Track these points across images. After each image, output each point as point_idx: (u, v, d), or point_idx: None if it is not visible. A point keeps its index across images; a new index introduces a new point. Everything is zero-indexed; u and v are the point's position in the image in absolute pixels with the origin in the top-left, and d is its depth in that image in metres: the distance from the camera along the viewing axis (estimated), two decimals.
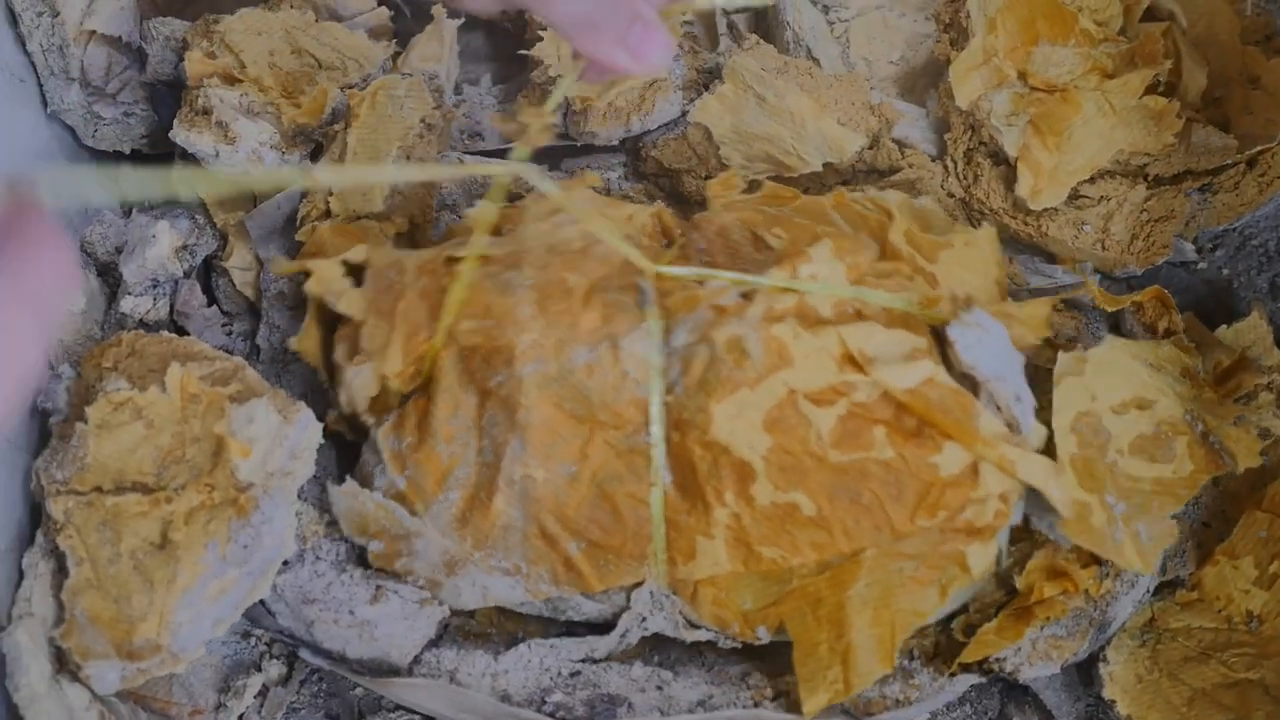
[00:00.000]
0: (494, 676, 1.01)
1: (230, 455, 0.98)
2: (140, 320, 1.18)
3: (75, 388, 1.05)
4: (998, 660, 1.02)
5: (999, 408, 0.98)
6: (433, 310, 1.00)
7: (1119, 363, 1.07)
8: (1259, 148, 1.24)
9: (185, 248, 1.20)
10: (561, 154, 1.31)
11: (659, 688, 1.02)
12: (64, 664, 0.94)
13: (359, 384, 1.02)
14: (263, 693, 1.06)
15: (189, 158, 1.22)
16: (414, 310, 1.01)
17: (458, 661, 1.02)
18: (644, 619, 1.01)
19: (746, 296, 0.98)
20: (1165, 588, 1.10)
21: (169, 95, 1.28)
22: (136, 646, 0.93)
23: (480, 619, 1.07)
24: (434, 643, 1.03)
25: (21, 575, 0.97)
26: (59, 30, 1.22)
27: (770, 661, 1.03)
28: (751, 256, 1.04)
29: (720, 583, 0.99)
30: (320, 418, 1.05)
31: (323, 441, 1.04)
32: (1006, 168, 1.23)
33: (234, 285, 1.20)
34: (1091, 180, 1.23)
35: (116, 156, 1.34)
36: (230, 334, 1.21)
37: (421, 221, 1.19)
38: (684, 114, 1.27)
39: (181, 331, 1.19)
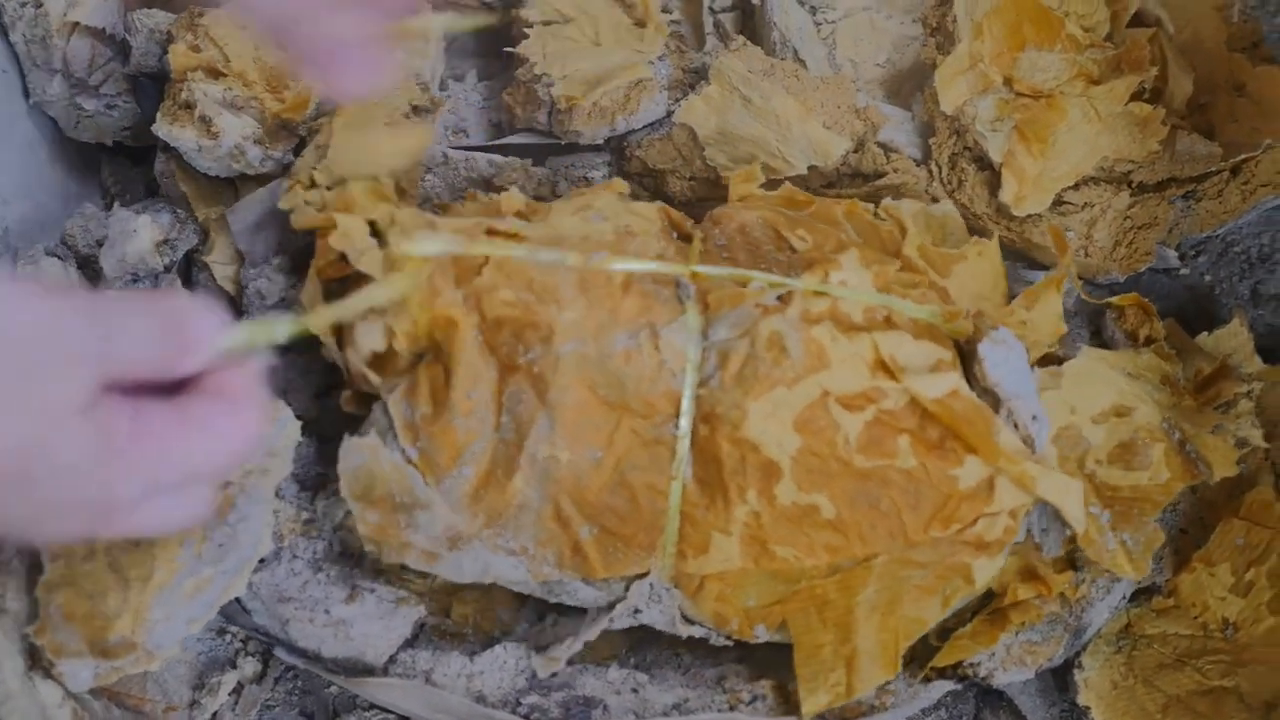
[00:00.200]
0: (469, 677, 1.01)
1: None
2: None
3: None
4: (972, 665, 1.02)
5: (1016, 425, 0.98)
6: (461, 275, 0.99)
7: (1096, 373, 1.08)
8: (1243, 156, 1.24)
9: (166, 242, 1.20)
10: (546, 152, 1.30)
11: (634, 690, 1.02)
12: (37, 661, 0.94)
13: (366, 339, 1.00)
14: (237, 690, 1.06)
15: (171, 151, 1.22)
16: (443, 273, 1.00)
17: (433, 662, 1.01)
18: (638, 610, 1.01)
19: (782, 299, 0.98)
20: (1141, 594, 1.11)
21: (152, 88, 1.28)
22: (111, 644, 0.93)
23: (456, 619, 1.07)
24: (409, 643, 1.03)
25: None
26: (42, 21, 1.22)
27: (747, 665, 1.03)
28: (774, 256, 1.03)
29: (727, 578, 0.98)
30: (302, 413, 1.05)
31: (301, 439, 1.03)
32: (991, 173, 1.23)
33: (215, 280, 1.20)
34: (1076, 187, 1.23)
35: (98, 148, 1.33)
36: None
37: (409, 191, 1.19)
38: (669, 114, 1.26)
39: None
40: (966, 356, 1.01)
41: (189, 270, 1.23)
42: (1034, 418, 0.99)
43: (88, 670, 0.93)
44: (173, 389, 0.68)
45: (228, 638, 1.07)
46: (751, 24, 1.39)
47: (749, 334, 0.95)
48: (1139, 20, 1.34)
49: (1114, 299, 1.16)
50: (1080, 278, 1.25)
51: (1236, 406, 1.14)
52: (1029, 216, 1.22)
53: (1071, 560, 1.04)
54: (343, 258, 1.01)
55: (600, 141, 1.27)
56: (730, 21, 1.41)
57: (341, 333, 1.03)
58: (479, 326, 0.98)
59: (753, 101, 1.23)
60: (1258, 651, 1.05)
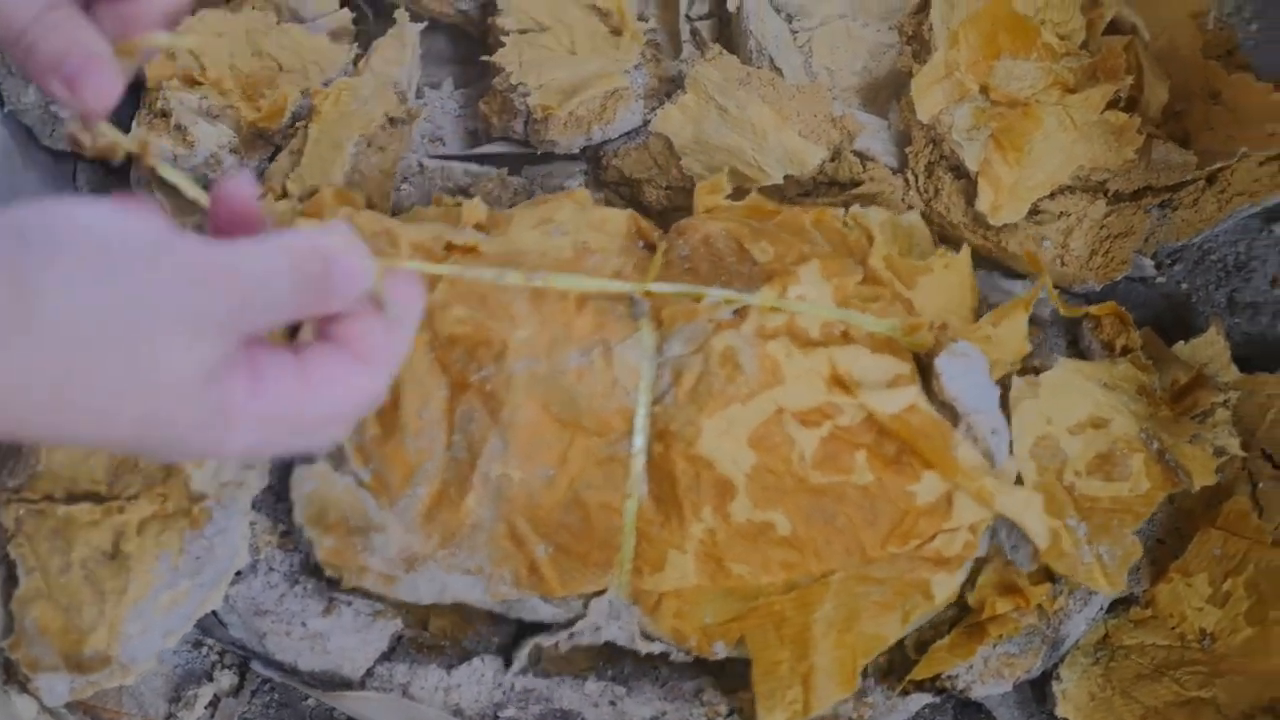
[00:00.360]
0: (446, 690, 1.01)
1: (183, 465, 0.97)
2: None
3: None
4: (950, 678, 1.02)
5: (976, 439, 0.98)
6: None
7: (1072, 384, 1.08)
8: (1219, 164, 1.24)
9: None
10: (521, 162, 1.30)
11: (612, 703, 1.02)
12: (12, 675, 0.94)
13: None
14: (214, 703, 1.06)
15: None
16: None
17: (410, 675, 1.01)
18: (599, 627, 1.01)
19: (739, 314, 0.98)
20: (1119, 605, 1.11)
21: (127, 96, 1.27)
22: (86, 658, 0.92)
23: (434, 631, 1.06)
24: (386, 656, 1.03)
25: None
26: None
27: (724, 678, 1.03)
28: (735, 269, 1.03)
29: (683, 595, 0.98)
30: None
31: None
32: (967, 182, 1.23)
33: None
34: (1051, 196, 1.23)
35: (73, 156, 1.33)
36: None
37: (379, 204, 1.19)
38: (645, 123, 1.26)
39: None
40: (926, 370, 1.01)
41: None
42: (994, 431, 0.99)
43: (63, 684, 0.93)
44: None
45: (204, 650, 1.07)
46: (728, 32, 1.39)
47: (702, 350, 0.95)
48: (1114, 28, 1.34)
49: (1091, 309, 1.16)
50: (1057, 287, 1.25)
51: (1214, 416, 1.14)
52: (1005, 225, 1.22)
53: (1049, 572, 1.04)
54: None
55: (576, 151, 1.27)
56: (706, 30, 1.41)
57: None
58: (431, 343, 0.98)
59: (729, 110, 1.23)
60: (1235, 662, 1.05)
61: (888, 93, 1.34)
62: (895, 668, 1.04)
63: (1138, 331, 1.17)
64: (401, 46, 1.29)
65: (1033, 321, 1.16)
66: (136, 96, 1.23)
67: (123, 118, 1.27)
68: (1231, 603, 1.07)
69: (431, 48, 1.41)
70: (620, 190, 1.28)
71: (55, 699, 0.93)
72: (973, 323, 1.08)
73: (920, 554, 0.97)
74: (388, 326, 0.66)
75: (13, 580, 0.94)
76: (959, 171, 1.24)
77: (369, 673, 1.02)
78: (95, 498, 0.97)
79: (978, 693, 1.02)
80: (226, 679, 1.06)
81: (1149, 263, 1.29)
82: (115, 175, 1.36)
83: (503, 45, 1.28)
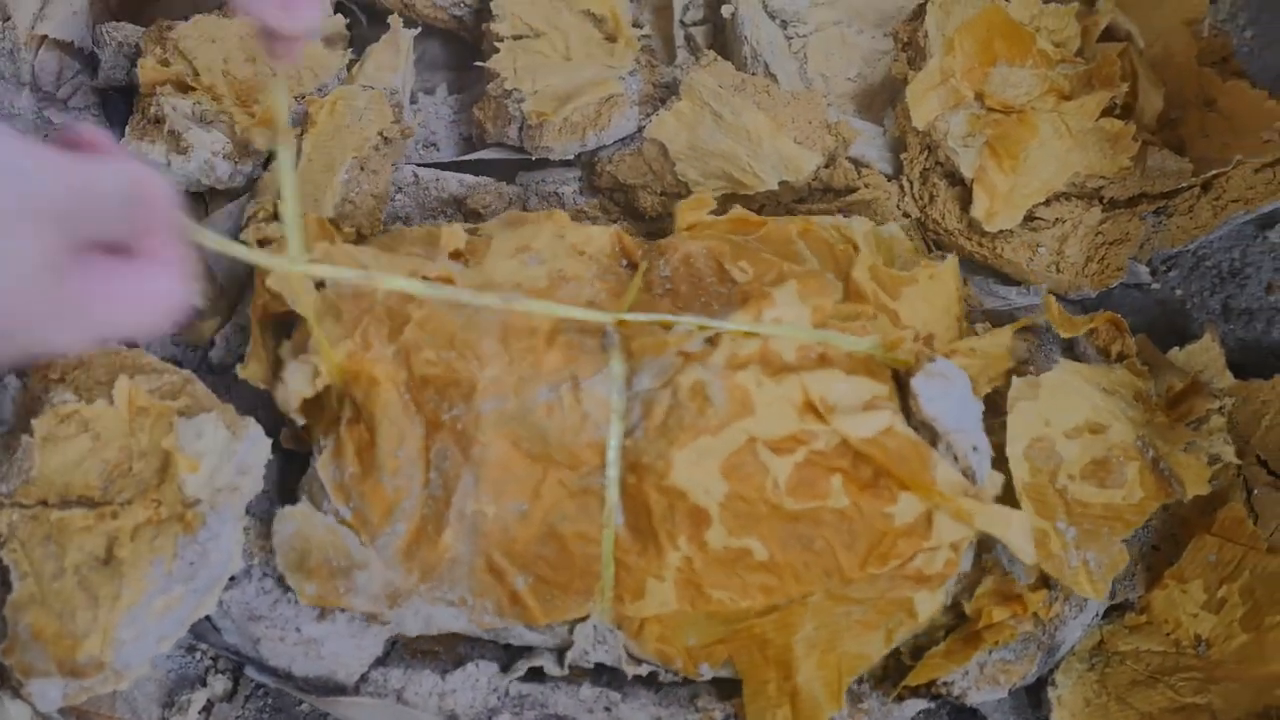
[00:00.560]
0: (441, 696, 1.01)
1: (178, 470, 0.97)
2: None
3: (21, 399, 1.04)
4: (945, 684, 1.02)
5: (956, 458, 0.97)
6: (394, 331, 0.99)
7: (1072, 387, 1.08)
8: (1214, 172, 1.24)
9: None
10: (516, 168, 1.30)
11: (607, 709, 1.02)
12: (5, 680, 0.93)
13: (295, 381, 1.00)
14: (207, 708, 1.06)
15: None
16: (378, 325, 1.00)
17: (405, 680, 1.01)
18: (586, 652, 1.01)
19: (711, 341, 0.97)
20: (1114, 611, 1.11)
21: (121, 101, 1.27)
22: (80, 664, 0.92)
23: (428, 637, 1.06)
24: (381, 661, 1.03)
25: None
26: (10, 34, 1.21)
27: (719, 684, 1.03)
28: (715, 290, 1.03)
29: (666, 619, 0.98)
30: (272, 433, 1.04)
31: (271, 457, 1.03)
32: (962, 189, 1.23)
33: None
34: (1047, 203, 1.23)
35: None
36: (179, 345, 1.20)
37: (369, 232, 1.19)
38: (640, 129, 1.26)
39: (130, 342, 1.18)
40: (906, 388, 1.01)
41: None
42: (974, 448, 0.98)
43: (56, 690, 0.92)
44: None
45: (198, 655, 1.07)
46: (722, 38, 1.39)
47: (670, 384, 0.95)
48: (1110, 35, 1.34)
49: (1089, 319, 1.16)
50: (1051, 293, 1.25)
51: (1209, 422, 1.14)
52: (1000, 232, 1.22)
53: (1045, 578, 1.04)
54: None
55: (571, 157, 1.27)
56: (701, 35, 1.41)
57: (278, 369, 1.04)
58: (407, 384, 0.98)
59: (723, 117, 1.22)
60: (1230, 668, 1.05)
61: (883, 99, 1.34)
62: (891, 674, 1.04)
63: (1133, 338, 1.17)
64: (395, 52, 1.29)
65: (1030, 329, 1.16)
66: (129, 102, 1.23)
67: (115, 124, 1.27)
68: (1226, 609, 1.07)
69: (426, 53, 1.41)
70: (614, 196, 1.28)
71: (49, 704, 0.92)
72: (958, 330, 1.08)
73: (901, 573, 0.97)
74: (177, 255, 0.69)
75: (6, 586, 0.94)
76: (954, 178, 1.24)
77: (363, 678, 1.01)
78: (89, 503, 0.96)
79: (973, 699, 1.02)
80: (220, 684, 1.06)
81: (1144, 269, 1.29)
82: None
83: (497, 51, 1.28)
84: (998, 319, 1.17)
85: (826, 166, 1.25)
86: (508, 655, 1.05)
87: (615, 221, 1.27)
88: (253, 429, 1.01)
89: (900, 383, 1.01)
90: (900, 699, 1.02)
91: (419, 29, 1.32)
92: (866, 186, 1.24)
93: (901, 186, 1.26)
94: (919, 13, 1.31)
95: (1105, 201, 1.25)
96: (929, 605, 0.99)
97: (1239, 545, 1.08)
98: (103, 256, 0.65)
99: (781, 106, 1.24)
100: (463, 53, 1.40)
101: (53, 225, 0.62)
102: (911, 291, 1.08)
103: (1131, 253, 1.26)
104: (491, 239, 1.06)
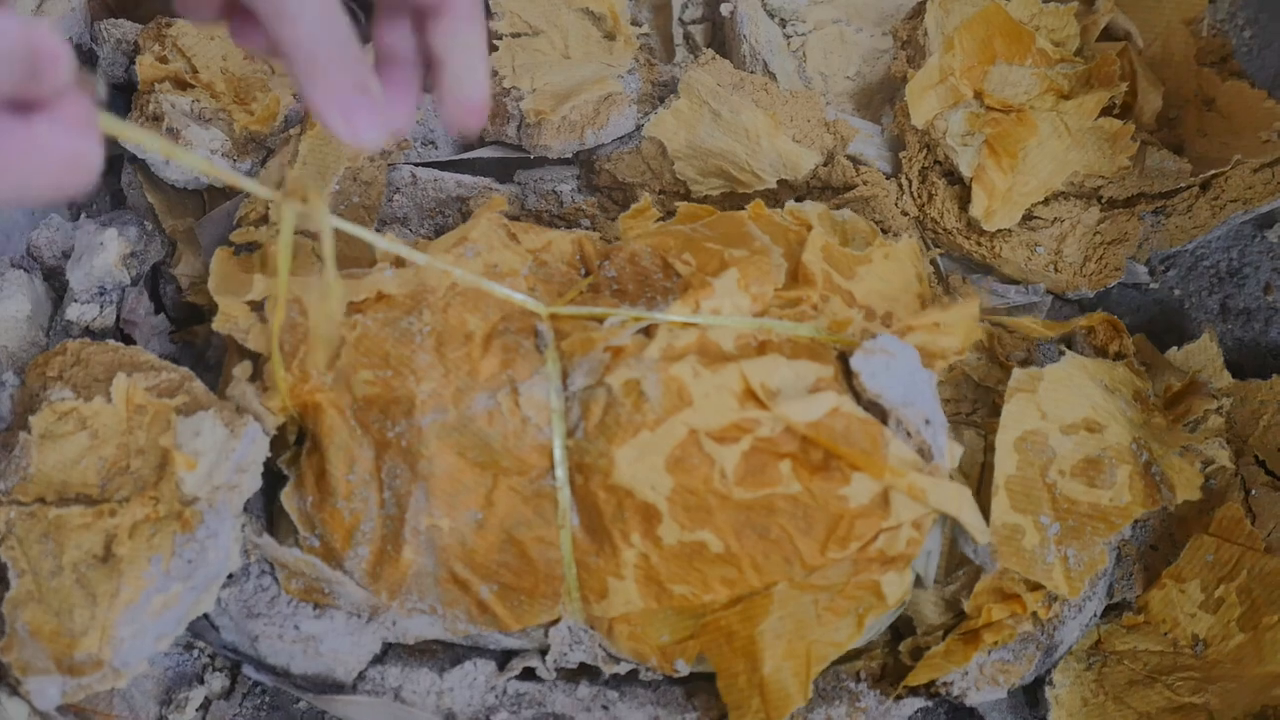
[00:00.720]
0: (439, 694, 1.01)
1: (176, 468, 0.97)
2: (86, 328, 1.17)
3: (19, 396, 1.04)
4: (944, 684, 1.02)
5: (909, 433, 0.97)
6: (331, 356, 0.99)
7: (1074, 381, 1.07)
8: (1213, 171, 1.24)
9: (133, 255, 1.19)
10: (514, 166, 1.30)
11: (604, 707, 1.02)
12: (3, 678, 0.93)
13: (252, 408, 1.01)
14: (205, 706, 1.06)
15: (138, 163, 1.21)
16: (312, 355, 1.00)
17: (402, 679, 1.01)
18: (565, 653, 1.01)
19: (648, 333, 0.97)
20: (1112, 611, 1.11)
21: (119, 98, 1.27)
22: (78, 661, 0.92)
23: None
24: (379, 659, 1.03)
25: None
26: None
27: (716, 681, 1.03)
28: (660, 285, 1.03)
29: (634, 618, 0.98)
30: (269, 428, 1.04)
31: (269, 454, 1.03)
32: (961, 187, 1.23)
33: (183, 293, 1.19)
34: (1045, 202, 1.23)
35: None
36: (177, 343, 1.20)
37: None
38: (638, 128, 1.26)
39: (128, 339, 1.18)
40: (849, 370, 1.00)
41: (155, 282, 1.22)
42: (927, 422, 0.97)
43: (55, 688, 0.92)
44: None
45: (195, 653, 1.07)
46: (721, 36, 1.39)
47: (602, 382, 0.95)
48: (1109, 34, 1.34)
49: (1082, 320, 1.16)
50: (1050, 293, 1.25)
51: (1206, 423, 1.14)
52: (999, 231, 1.22)
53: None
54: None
55: (569, 155, 1.27)
56: (700, 34, 1.41)
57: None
58: (351, 407, 0.99)
59: (722, 115, 1.22)
60: (1228, 668, 1.05)
61: (881, 98, 1.34)
62: (889, 673, 1.04)
63: (1131, 338, 1.17)
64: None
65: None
66: (128, 100, 1.23)
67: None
68: (1224, 609, 1.07)
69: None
70: (613, 195, 1.28)
71: (46, 702, 0.92)
72: (921, 310, 1.07)
73: (865, 556, 0.96)
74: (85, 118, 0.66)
75: (4, 583, 0.94)
76: (952, 177, 1.24)
77: (361, 676, 1.01)
78: (86, 500, 0.96)
79: (972, 699, 1.02)
80: (218, 681, 1.06)
81: (1142, 269, 1.30)
82: (106, 177, 1.36)
83: (496, 49, 1.28)
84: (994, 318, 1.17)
85: (825, 165, 1.25)
86: (505, 654, 1.05)
87: (613, 220, 1.27)
88: (251, 427, 1.00)
89: (847, 364, 1.00)
90: (899, 698, 1.02)
91: None
92: (865, 184, 1.24)
93: (900, 185, 1.26)
94: (918, 11, 1.31)
95: (1104, 201, 1.25)
96: (898, 586, 0.99)
97: (1237, 545, 1.08)
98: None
99: (780, 105, 1.24)
100: None
101: None
102: (867, 271, 1.07)
103: (1130, 252, 1.26)
104: (430, 244, 1.06)
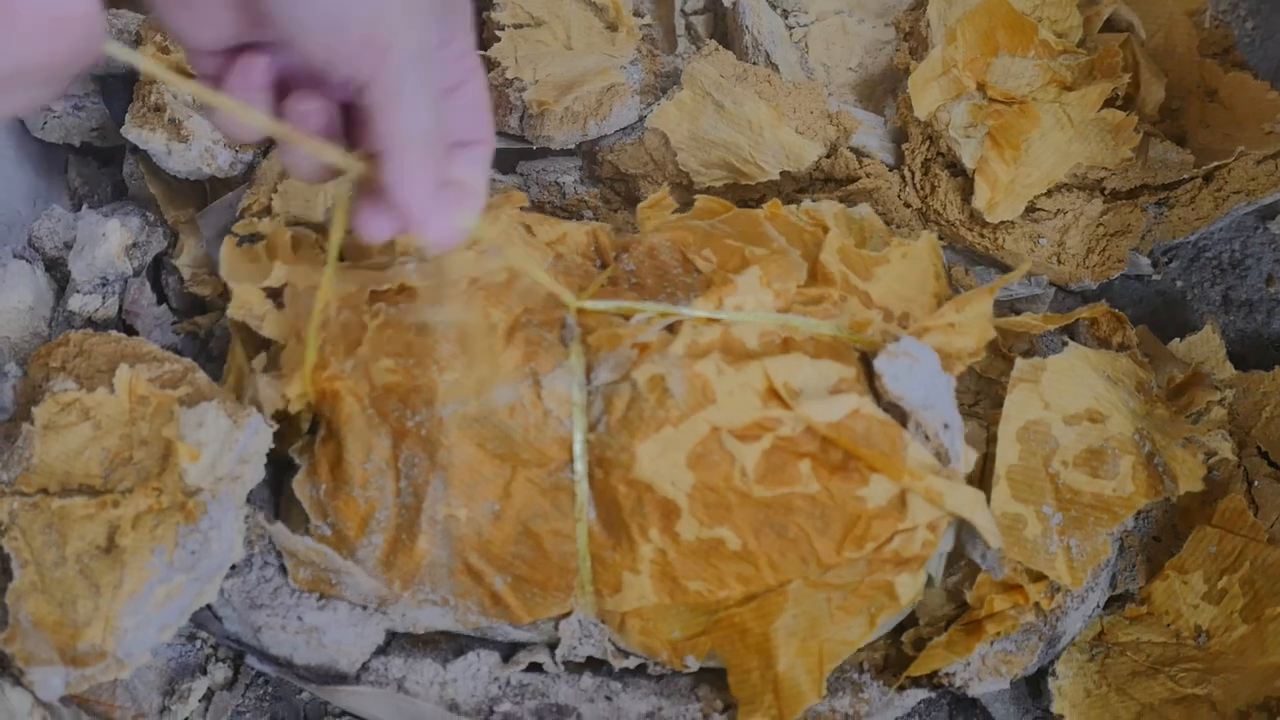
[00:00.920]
0: (442, 685, 1.01)
1: (179, 459, 0.97)
2: (89, 319, 1.17)
3: (22, 387, 1.04)
4: (947, 675, 1.02)
5: (927, 436, 0.97)
6: (350, 347, 0.99)
7: (1077, 372, 1.07)
8: (1216, 163, 1.24)
9: (135, 245, 1.19)
10: (517, 157, 1.30)
11: (608, 698, 1.02)
12: (6, 668, 0.93)
13: (265, 395, 1.00)
14: (208, 696, 1.05)
15: (140, 154, 1.21)
16: (334, 343, 1.00)
17: (406, 670, 1.01)
18: (574, 647, 1.01)
19: (671, 329, 0.97)
20: (1115, 602, 1.11)
21: (120, 89, 1.27)
22: (81, 652, 0.92)
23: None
24: (382, 650, 1.03)
25: None
26: None
27: (720, 673, 1.03)
28: (680, 280, 1.03)
29: (646, 613, 0.98)
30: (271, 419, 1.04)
31: (273, 446, 1.03)
32: (964, 179, 1.23)
33: (184, 283, 1.19)
34: (1048, 193, 1.23)
35: (66, 149, 1.33)
36: (179, 334, 1.20)
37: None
38: (641, 119, 1.26)
39: (130, 330, 1.18)
40: (872, 370, 1.00)
41: (158, 273, 1.22)
42: (945, 426, 0.98)
43: (58, 679, 0.92)
44: None
45: (198, 643, 1.07)
46: (723, 27, 1.39)
47: (628, 377, 0.95)
48: (1111, 26, 1.34)
49: (1085, 311, 1.16)
50: (1053, 284, 1.25)
51: (1209, 415, 1.14)
52: (1002, 223, 1.22)
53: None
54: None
55: (572, 146, 1.27)
56: (702, 25, 1.41)
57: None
58: (370, 395, 0.98)
59: (725, 107, 1.22)
60: (1230, 659, 1.05)
61: (884, 89, 1.34)
62: (891, 663, 1.04)
63: (1133, 329, 1.17)
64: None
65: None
66: (130, 90, 1.23)
67: (115, 111, 1.26)
68: (1227, 600, 1.07)
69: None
70: (616, 186, 1.28)
71: (50, 693, 0.92)
72: (938, 307, 1.07)
73: (879, 556, 0.97)
74: None
75: (7, 574, 0.94)
76: (955, 169, 1.24)
77: (364, 667, 1.01)
78: (90, 491, 0.96)
79: (975, 690, 1.02)
80: (220, 672, 1.06)
81: (1145, 260, 1.29)
82: (107, 168, 1.36)
83: (498, 40, 1.28)
84: (998, 309, 1.17)
85: (828, 156, 1.25)
86: (509, 645, 1.05)
87: (616, 211, 1.27)
88: (254, 418, 1.00)
89: (869, 365, 1.00)
90: (901, 689, 1.02)
91: None
92: (868, 176, 1.24)
93: (903, 177, 1.26)
94: (921, 2, 1.31)
95: (1106, 192, 1.25)
96: (910, 588, 0.99)
97: (1239, 537, 1.08)
98: None
99: (783, 96, 1.24)
100: None
101: None
102: (884, 271, 1.07)
103: (1133, 244, 1.26)
104: None
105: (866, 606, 0.99)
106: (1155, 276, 1.32)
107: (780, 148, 1.23)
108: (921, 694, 1.03)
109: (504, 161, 1.29)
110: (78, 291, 1.17)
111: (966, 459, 0.99)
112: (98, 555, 0.94)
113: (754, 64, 1.29)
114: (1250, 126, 1.26)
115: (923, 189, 1.25)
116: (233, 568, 1.00)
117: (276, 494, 1.07)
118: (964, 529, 1.00)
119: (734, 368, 0.95)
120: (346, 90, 0.74)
